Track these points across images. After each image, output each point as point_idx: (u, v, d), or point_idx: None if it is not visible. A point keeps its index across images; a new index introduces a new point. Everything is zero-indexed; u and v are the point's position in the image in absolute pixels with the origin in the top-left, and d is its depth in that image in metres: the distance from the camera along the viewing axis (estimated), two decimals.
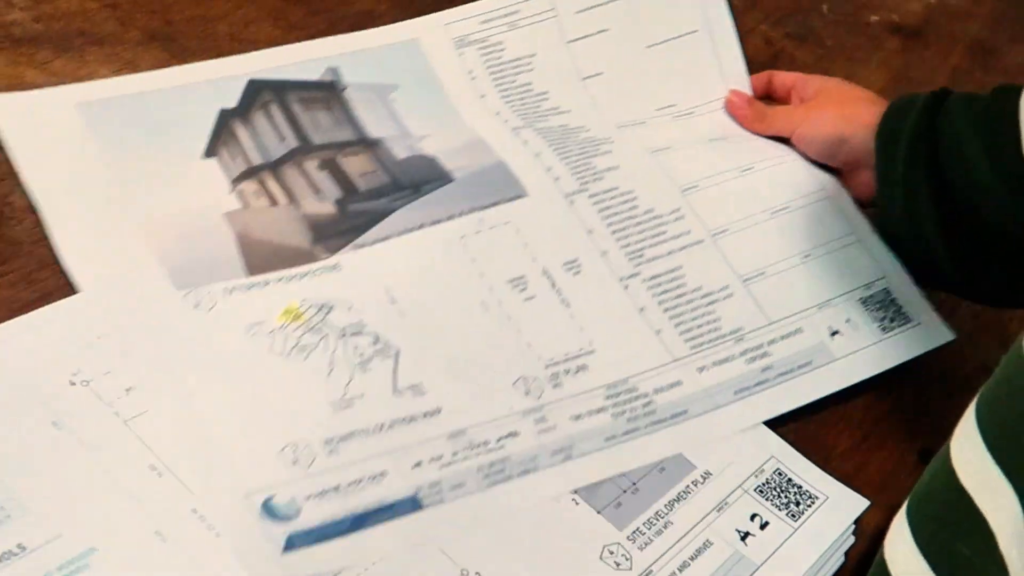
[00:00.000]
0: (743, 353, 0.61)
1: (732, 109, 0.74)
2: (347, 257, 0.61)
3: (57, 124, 0.63)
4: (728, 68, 0.76)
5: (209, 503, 0.48)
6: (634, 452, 0.56)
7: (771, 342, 0.62)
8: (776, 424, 0.59)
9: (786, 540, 0.53)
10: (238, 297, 0.57)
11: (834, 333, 0.63)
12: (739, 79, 0.75)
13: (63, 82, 0.67)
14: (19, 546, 0.44)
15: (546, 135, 0.69)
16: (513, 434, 0.55)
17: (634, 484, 0.53)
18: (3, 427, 0.48)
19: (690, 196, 0.67)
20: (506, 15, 0.74)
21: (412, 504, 0.51)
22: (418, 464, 0.52)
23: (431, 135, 0.68)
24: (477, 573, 0.48)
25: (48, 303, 0.54)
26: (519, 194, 0.65)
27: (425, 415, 0.54)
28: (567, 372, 0.58)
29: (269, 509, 0.49)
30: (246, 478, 0.49)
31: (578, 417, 0.56)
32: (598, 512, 0.52)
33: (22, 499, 0.45)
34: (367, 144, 0.67)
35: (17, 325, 0.52)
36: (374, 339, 0.56)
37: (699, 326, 0.62)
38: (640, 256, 0.64)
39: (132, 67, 0.69)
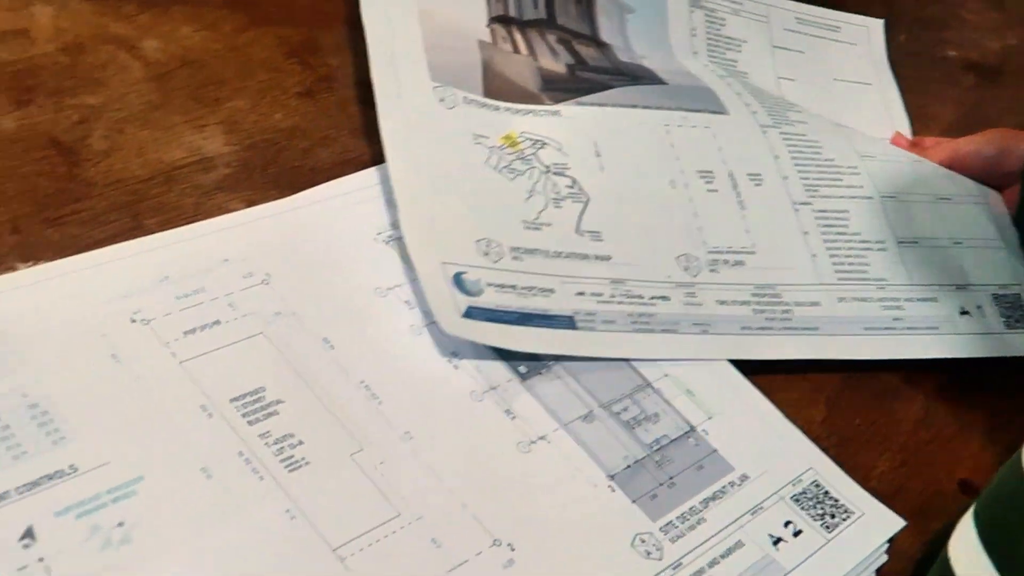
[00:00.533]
0: (881, 300, 0.66)
1: (896, 144, 0.79)
2: (568, 108, 0.68)
3: None
4: (895, 120, 0.84)
5: (418, 261, 0.57)
6: (762, 346, 0.62)
7: (908, 299, 0.67)
8: (818, 437, 0.59)
9: (818, 550, 0.52)
10: (473, 108, 0.65)
11: (963, 312, 0.68)
12: (903, 130, 0.83)
13: (146, 36, 0.68)
14: (71, 467, 0.45)
15: (746, 85, 0.77)
16: (664, 298, 0.61)
17: (671, 479, 0.54)
18: (65, 354, 0.49)
19: (867, 162, 0.73)
20: (732, 2, 0.84)
21: (568, 322, 0.58)
22: (581, 293, 0.59)
23: (648, 57, 0.77)
24: (509, 544, 0.48)
25: (116, 243, 0.55)
26: (721, 111, 0.73)
27: (596, 258, 0.61)
28: (725, 262, 0.64)
29: (458, 280, 0.57)
30: (446, 251, 0.58)
31: (723, 303, 0.62)
32: (633, 501, 0.52)
33: (77, 423, 0.46)
34: (597, 43, 0.76)
35: (85, 260, 0.54)
36: (572, 182, 0.64)
37: (850, 263, 0.67)
38: (815, 191, 0.70)
39: (213, 29, 0.71)
